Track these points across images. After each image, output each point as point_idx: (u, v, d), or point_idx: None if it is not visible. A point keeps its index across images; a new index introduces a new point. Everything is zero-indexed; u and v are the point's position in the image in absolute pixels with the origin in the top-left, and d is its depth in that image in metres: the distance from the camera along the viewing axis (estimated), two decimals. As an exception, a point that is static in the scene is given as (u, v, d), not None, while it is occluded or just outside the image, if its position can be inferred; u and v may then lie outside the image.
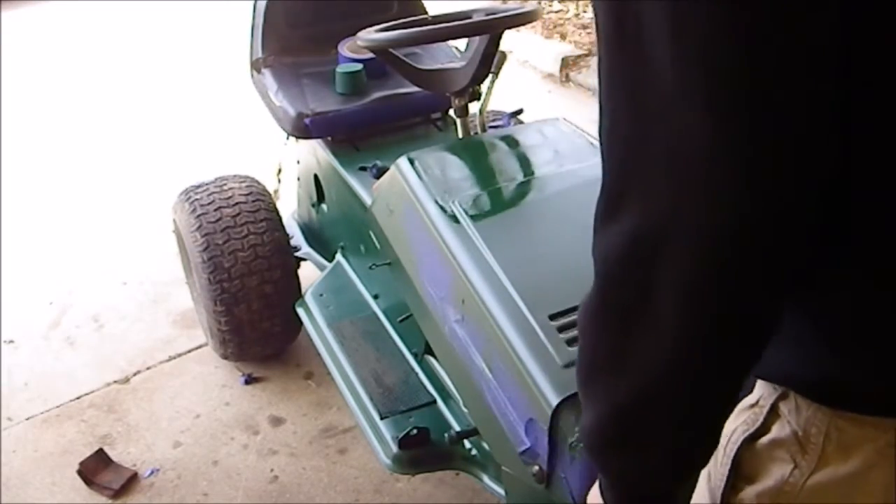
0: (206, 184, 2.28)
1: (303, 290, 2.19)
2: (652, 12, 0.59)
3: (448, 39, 1.99)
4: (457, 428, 1.65)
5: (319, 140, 2.20)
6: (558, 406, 1.16)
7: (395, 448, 1.64)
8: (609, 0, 0.62)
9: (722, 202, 0.59)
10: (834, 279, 0.67)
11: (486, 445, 1.56)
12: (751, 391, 0.79)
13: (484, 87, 1.88)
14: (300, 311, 2.12)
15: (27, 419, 2.33)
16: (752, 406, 0.78)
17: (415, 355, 1.84)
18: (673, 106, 0.59)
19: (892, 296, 0.66)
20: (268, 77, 2.26)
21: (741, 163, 0.58)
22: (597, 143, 1.09)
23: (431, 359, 1.77)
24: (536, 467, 1.22)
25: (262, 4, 2.32)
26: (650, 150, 0.61)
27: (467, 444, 1.63)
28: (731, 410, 0.70)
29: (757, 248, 0.60)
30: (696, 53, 0.58)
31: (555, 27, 4.89)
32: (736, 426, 0.78)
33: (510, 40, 2.63)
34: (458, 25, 1.75)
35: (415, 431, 1.63)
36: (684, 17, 0.58)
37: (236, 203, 2.20)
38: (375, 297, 2.04)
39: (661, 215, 0.61)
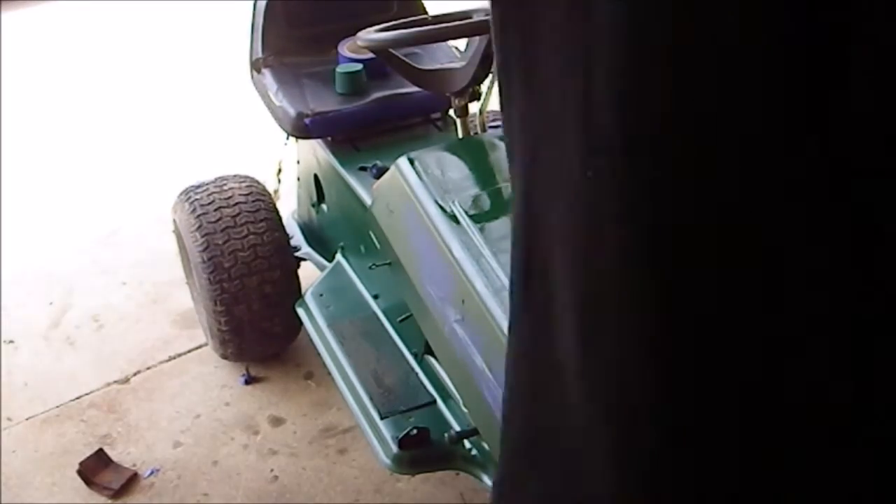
0: (206, 184, 2.28)
1: (303, 290, 2.19)
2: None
3: (448, 39, 1.99)
4: (457, 428, 1.65)
5: (319, 140, 2.20)
6: (558, 406, 1.16)
7: (395, 448, 1.64)
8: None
9: None
10: None
11: (486, 445, 1.56)
12: None
13: (484, 87, 1.87)
14: (300, 311, 2.12)
15: (27, 419, 2.33)
16: None
17: (415, 355, 1.83)
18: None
19: None
20: (268, 77, 2.26)
21: None
22: None
23: (431, 359, 1.77)
24: (536, 467, 1.22)
25: (262, 4, 2.32)
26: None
27: (467, 444, 1.63)
28: None
29: None
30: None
31: (555, 27, 4.89)
32: None
33: (510, 40, 2.62)
34: (458, 25, 1.75)
35: (415, 431, 1.63)
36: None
37: (236, 203, 2.20)
38: (375, 297, 2.04)
39: None
